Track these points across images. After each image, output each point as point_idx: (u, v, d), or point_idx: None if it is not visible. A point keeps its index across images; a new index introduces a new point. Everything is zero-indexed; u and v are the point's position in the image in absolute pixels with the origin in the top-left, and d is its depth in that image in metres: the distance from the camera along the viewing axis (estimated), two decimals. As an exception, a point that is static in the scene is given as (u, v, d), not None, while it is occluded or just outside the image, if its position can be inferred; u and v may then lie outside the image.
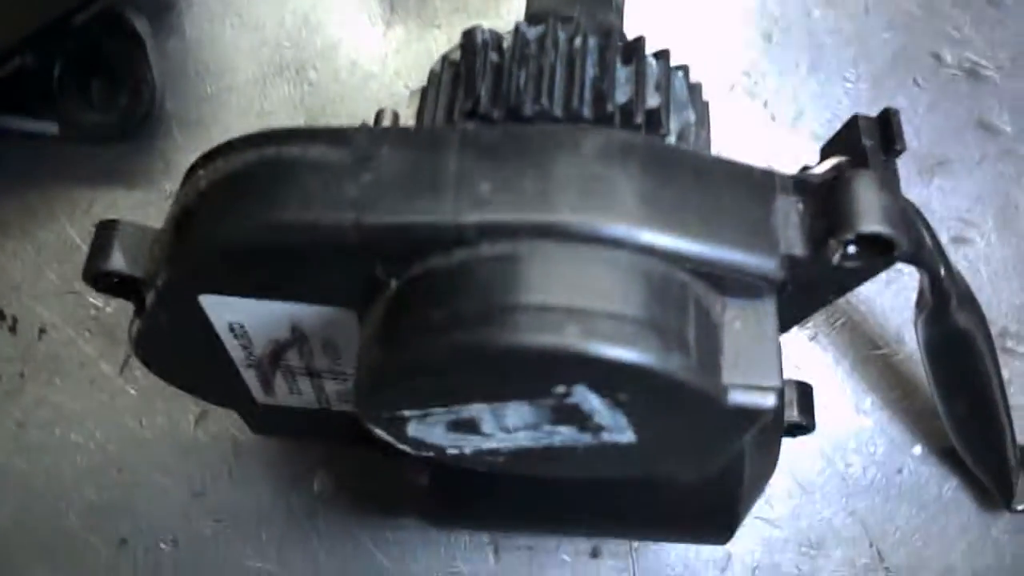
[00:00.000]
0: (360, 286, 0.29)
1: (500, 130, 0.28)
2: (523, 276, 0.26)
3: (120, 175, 0.50)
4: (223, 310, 0.32)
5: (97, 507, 0.48)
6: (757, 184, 0.28)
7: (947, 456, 0.48)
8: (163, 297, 0.31)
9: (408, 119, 0.36)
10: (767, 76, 0.51)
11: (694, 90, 0.33)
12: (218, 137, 0.50)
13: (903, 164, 0.49)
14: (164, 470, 0.47)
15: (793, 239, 0.28)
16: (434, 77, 0.33)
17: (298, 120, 0.50)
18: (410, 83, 0.51)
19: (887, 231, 0.27)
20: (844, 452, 0.49)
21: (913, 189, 0.50)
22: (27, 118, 0.47)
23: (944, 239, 0.50)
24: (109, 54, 0.47)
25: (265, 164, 0.28)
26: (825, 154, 0.35)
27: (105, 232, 0.32)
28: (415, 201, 0.27)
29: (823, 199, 0.28)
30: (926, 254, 0.35)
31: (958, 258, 0.50)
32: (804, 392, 0.41)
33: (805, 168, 0.36)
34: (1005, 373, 0.48)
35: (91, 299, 0.50)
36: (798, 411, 0.41)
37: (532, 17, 0.37)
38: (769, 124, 0.51)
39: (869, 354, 0.50)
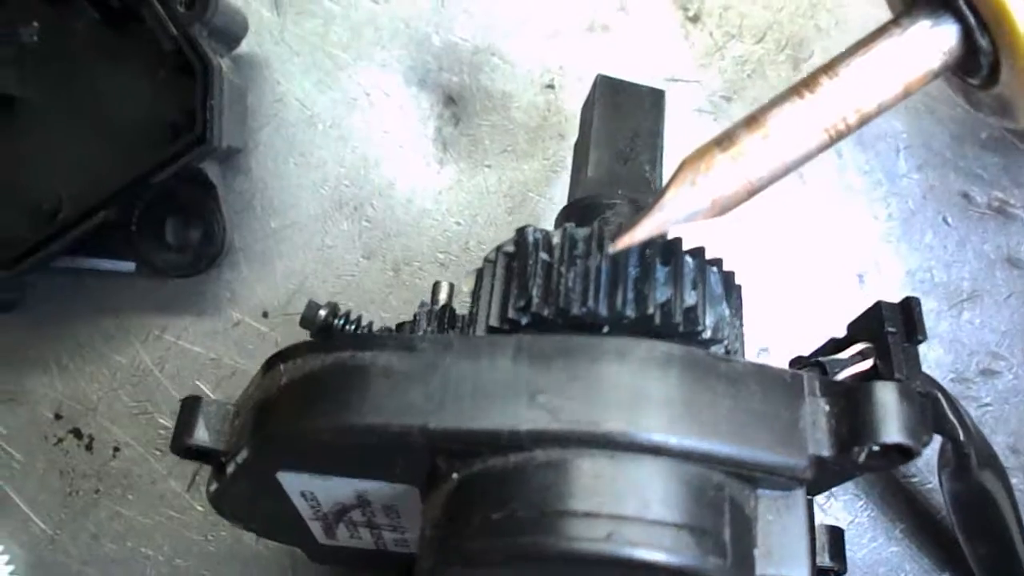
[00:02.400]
0: (423, 472, 0.32)
1: (552, 340, 0.31)
2: (572, 483, 0.29)
3: (190, 304, 0.54)
4: (296, 481, 0.35)
5: (165, 617, 0.51)
6: (787, 387, 0.31)
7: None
8: (242, 470, 0.34)
9: (464, 294, 0.39)
10: (800, 215, 0.54)
11: (728, 281, 0.35)
12: (282, 270, 0.55)
13: (935, 298, 0.52)
14: (228, 582, 0.50)
15: (820, 441, 0.30)
16: (489, 266, 0.36)
17: (355, 255, 0.54)
18: (461, 220, 0.54)
19: (907, 442, 0.29)
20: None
21: (943, 322, 0.52)
22: (106, 258, 0.51)
23: (973, 371, 0.52)
24: (184, 200, 0.50)
25: (339, 369, 0.31)
26: (850, 333, 0.37)
27: (190, 408, 0.36)
28: (476, 409, 0.30)
29: (848, 403, 0.30)
30: (947, 425, 0.37)
31: (986, 390, 0.52)
32: (835, 537, 0.43)
33: (831, 340, 0.39)
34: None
35: (161, 420, 0.54)
36: (830, 556, 0.42)
37: (576, 200, 0.40)
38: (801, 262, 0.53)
39: (900, 482, 0.51)
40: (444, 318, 0.38)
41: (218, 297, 0.54)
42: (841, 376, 0.35)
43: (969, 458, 0.39)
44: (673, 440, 0.29)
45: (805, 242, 0.53)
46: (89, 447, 0.54)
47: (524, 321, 0.34)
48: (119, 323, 0.54)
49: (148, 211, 0.50)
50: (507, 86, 0.55)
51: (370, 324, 0.48)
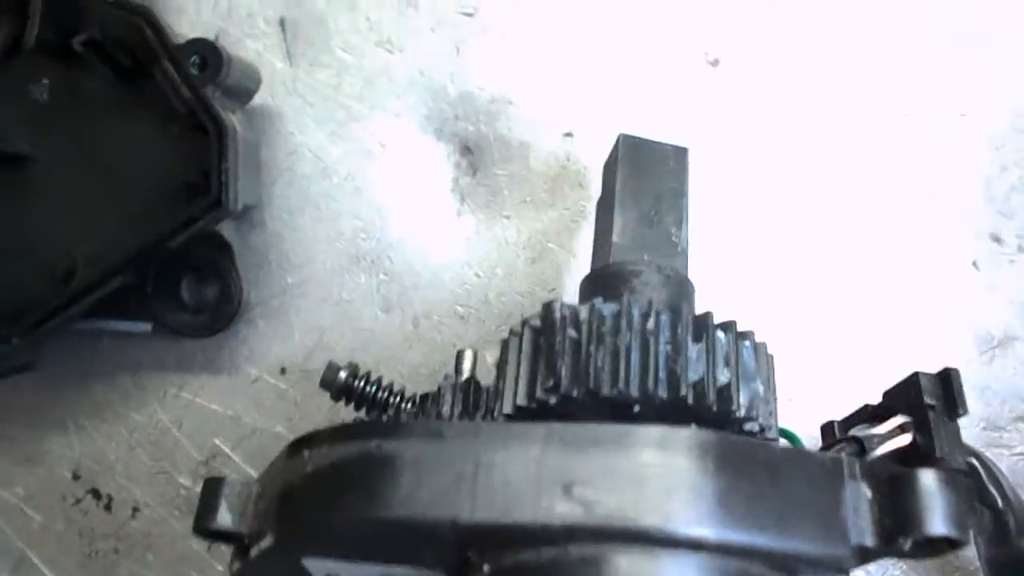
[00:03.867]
0: (454, 562, 0.31)
1: (583, 429, 0.30)
2: (607, 582, 0.28)
3: (207, 362, 0.54)
4: (322, 566, 0.34)
5: None
6: (826, 472, 0.30)
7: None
8: (266, 555, 0.34)
9: (487, 364, 0.38)
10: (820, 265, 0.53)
11: (760, 355, 0.34)
12: (299, 326, 0.54)
13: (965, 344, 0.51)
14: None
15: (864, 530, 0.29)
16: (514, 339, 0.35)
17: (373, 309, 0.53)
18: (480, 272, 0.53)
19: (955, 535, 0.28)
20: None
21: (972, 369, 0.51)
22: (122, 320, 0.51)
23: (1005, 419, 0.51)
24: (199, 260, 0.50)
25: (366, 458, 0.31)
26: (887, 403, 0.36)
27: (212, 489, 0.35)
28: (507, 502, 0.29)
29: (891, 491, 0.29)
30: (987, 495, 0.36)
31: (1020, 438, 0.51)
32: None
33: (866, 407, 0.38)
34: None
35: (180, 479, 0.53)
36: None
37: (601, 267, 0.39)
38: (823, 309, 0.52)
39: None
40: (469, 392, 0.38)
41: (235, 354, 0.54)
42: (879, 452, 0.34)
43: (1008, 526, 0.38)
44: (711, 534, 0.28)
45: (826, 292, 0.52)
46: (108, 507, 0.54)
47: (552, 401, 0.33)
48: (136, 382, 0.54)
49: (163, 272, 0.50)
50: (525, 135, 0.54)
51: (391, 385, 0.47)
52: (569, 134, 0.54)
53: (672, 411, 0.33)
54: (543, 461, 0.29)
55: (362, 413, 0.47)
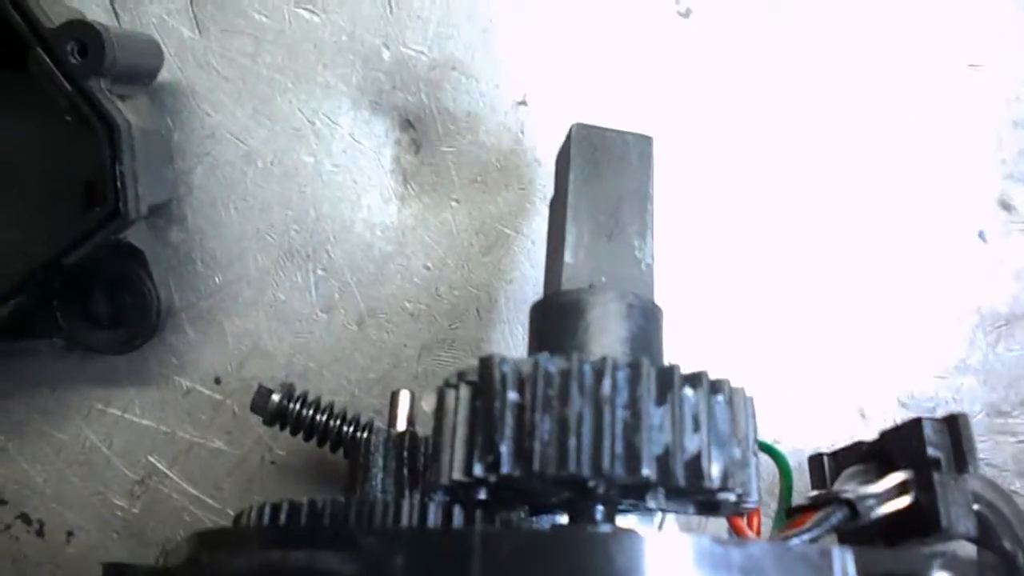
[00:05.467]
0: None
1: (521, 537, 0.25)
2: None
3: (132, 374, 0.48)
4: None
5: None
6: (813, 570, 0.26)
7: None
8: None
9: (424, 412, 0.33)
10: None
11: (735, 409, 0.29)
12: (232, 331, 0.49)
13: (969, 325, 0.46)
14: None
15: (858, 640, 0.25)
16: (451, 394, 0.30)
17: (313, 309, 0.48)
18: (430, 264, 0.47)
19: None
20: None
21: (976, 352, 0.46)
22: (33, 339, 0.45)
23: (1011, 403, 0.47)
24: (107, 270, 0.44)
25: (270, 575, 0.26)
26: (884, 444, 0.31)
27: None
28: (434, 633, 0.24)
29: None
30: (996, 543, 0.32)
31: (1029, 423, 0.46)
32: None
33: (860, 444, 0.33)
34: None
35: (116, 501, 0.49)
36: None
37: (554, 298, 0.34)
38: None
39: None
40: (403, 447, 0.33)
41: (164, 364, 0.48)
42: (876, 515, 0.29)
43: (1016, 564, 0.34)
44: (678, 664, 0.24)
45: (828, 274, 0.47)
46: (40, 532, 0.49)
47: (492, 480, 0.28)
48: (56, 398, 0.49)
49: (69, 286, 0.44)
50: (472, 105, 0.47)
51: (330, 406, 0.42)
52: (523, 102, 0.47)
53: (634, 487, 0.28)
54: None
55: (299, 438, 0.43)
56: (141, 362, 0.48)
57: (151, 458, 0.49)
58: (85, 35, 0.39)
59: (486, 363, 0.29)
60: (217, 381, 0.48)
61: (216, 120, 0.48)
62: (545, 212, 0.47)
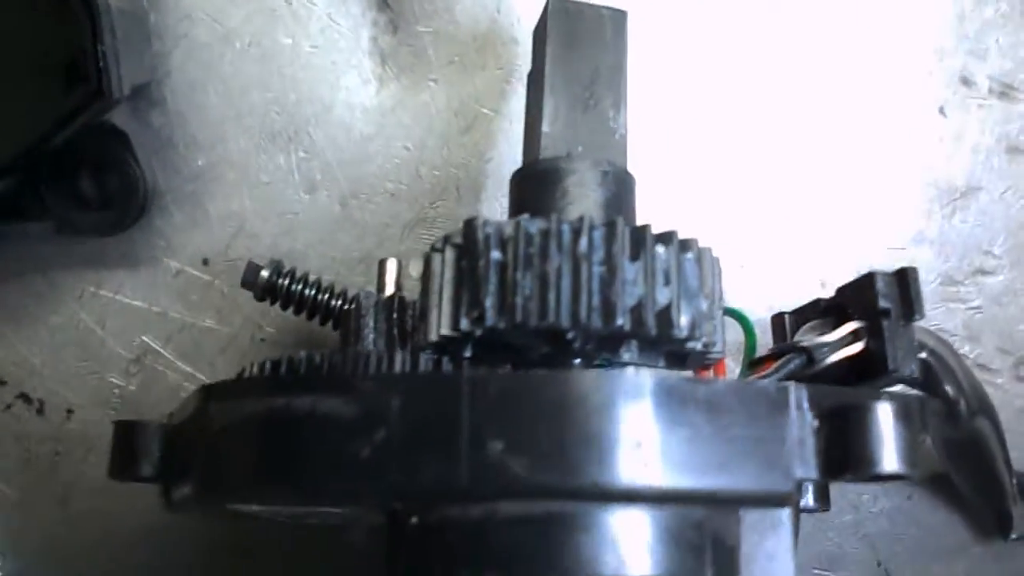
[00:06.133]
0: (380, 512, 0.30)
1: (509, 379, 0.27)
2: (540, 542, 0.27)
3: (122, 257, 0.50)
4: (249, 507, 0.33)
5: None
6: (771, 404, 0.28)
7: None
8: (190, 501, 0.32)
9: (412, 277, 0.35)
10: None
11: (703, 266, 0.31)
12: (216, 213, 0.50)
13: (926, 198, 0.48)
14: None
15: (808, 463, 0.28)
16: (437, 256, 0.32)
17: (296, 190, 0.49)
18: (410, 144, 0.49)
19: (904, 472, 0.27)
20: (857, 485, 0.50)
21: (932, 224, 0.49)
22: (22, 222, 0.46)
23: (963, 273, 0.49)
24: (93, 152, 0.45)
25: (275, 419, 0.28)
26: (839, 300, 0.34)
27: (124, 436, 0.33)
28: (428, 462, 0.27)
29: (840, 425, 0.28)
30: (939, 388, 0.35)
31: (976, 292, 0.49)
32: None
33: (818, 302, 0.36)
34: (1018, 401, 0.49)
35: (112, 379, 0.51)
36: (814, 499, 0.41)
37: (533, 167, 0.35)
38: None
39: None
40: (392, 310, 0.35)
41: (152, 246, 0.50)
42: (830, 360, 0.32)
43: (959, 409, 0.37)
44: (650, 484, 0.27)
45: (790, 149, 0.49)
46: (40, 411, 0.51)
47: (479, 332, 0.30)
48: (49, 282, 0.50)
49: (56, 168, 0.45)
50: (448, -16, 0.48)
51: (318, 281, 0.44)
52: (499, -20, 0.48)
53: (609, 337, 0.30)
54: (467, 416, 0.27)
55: (290, 312, 0.45)
56: (129, 245, 0.49)
57: (145, 338, 0.50)
58: (61, -90, 0.39)
59: (470, 225, 0.31)
60: (205, 262, 0.50)
61: (192, 1, 0.48)
62: (522, 91, 0.48)
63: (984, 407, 0.38)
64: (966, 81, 0.48)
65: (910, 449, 0.27)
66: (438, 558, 0.28)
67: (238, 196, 0.49)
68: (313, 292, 0.43)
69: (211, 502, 0.31)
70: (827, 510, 0.42)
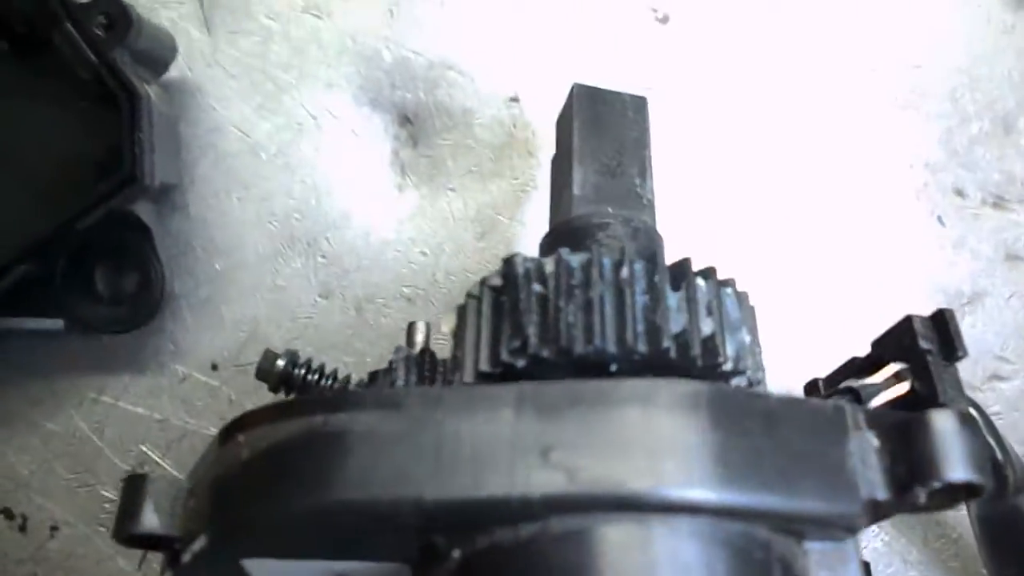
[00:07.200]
0: (416, 549, 0.27)
1: (558, 388, 0.26)
2: (597, 556, 0.25)
3: (128, 361, 0.49)
4: (264, 568, 0.30)
5: None
6: (829, 422, 0.27)
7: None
8: (200, 559, 0.29)
9: (443, 334, 0.35)
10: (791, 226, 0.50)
11: (743, 304, 0.31)
12: (230, 317, 0.49)
13: (934, 304, 0.49)
14: None
15: (874, 482, 0.26)
16: (472, 302, 0.32)
17: (311, 295, 0.49)
18: (427, 250, 0.49)
19: (976, 479, 0.25)
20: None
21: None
22: (31, 317, 0.45)
23: (979, 379, 0.49)
24: (114, 246, 0.45)
25: (311, 436, 0.27)
26: (876, 352, 0.34)
27: (134, 487, 0.30)
28: (478, 474, 0.25)
29: (902, 437, 0.27)
30: (986, 448, 0.34)
31: (994, 398, 0.49)
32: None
33: (854, 360, 0.35)
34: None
35: (104, 492, 0.48)
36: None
37: (562, 224, 0.36)
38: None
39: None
40: (424, 364, 0.34)
41: (160, 351, 0.49)
42: (877, 403, 0.31)
43: (1007, 479, 0.35)
44: (710, 496, 0.25)
45: (791, 253, 0.50)
46: (23, 528, 0.48)
47: (520, 364, 0.29)
48: (49, 387, 0.49)
49: (74, 261, 0.45)
50: (467, 101, 0.50)
51: (335, 372, 0.43)
52: (515, 99, 0.50)
53: (653, 368, 0.29)
54: (516, 425, 0.26)
55: (304, 404, 0.43)
56: (137, 349, 0.49)
57: (143, 447, 0.48)
58: (112, 9, 0.41)
59: (509, 262, 0.31)
60: (214, 367, 0.49)
61: (222, 115, 0.50)
62: (537, 200, 0.50)
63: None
64: (959, 192, 0.50)
65: (978, 456, 0.26)
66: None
67: (253, 300, 0.49)
68: (330, 383, 0.42)
69: (225, 553, 0.29)
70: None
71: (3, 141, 0.45)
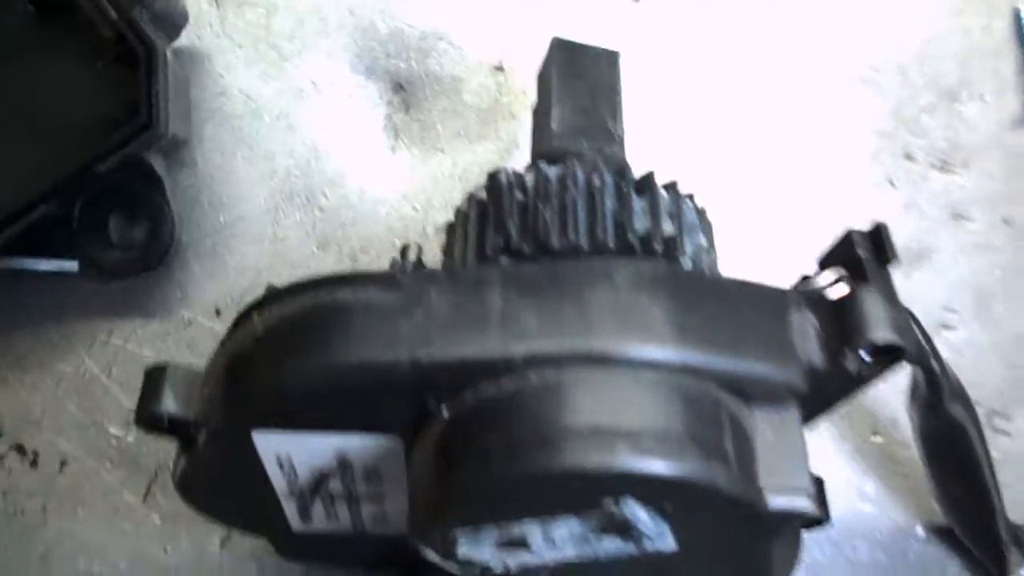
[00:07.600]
0: (411, 415, 0.31)
1: (537, 267, 0.30)
2: (571, 402, 0.28)
3: (137, 306, 0.52)
4: (272, 443, 0.33)
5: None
6: (772, 301, 0.31)
7: (949, 536, 0.49)
8: (216, 436, 0.33)
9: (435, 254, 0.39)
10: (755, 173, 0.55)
11: (702, 215, 0.35)
12: (234, 265, 0.53)
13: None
14: (191, 596, 0.48)
15: (812, 351, 0.30)
16: (460, 215, 0.36)
17: (310, 245, 0.53)
18: (417, 205, 0.53)
19: (898, 340, 0.29)
20: (850, 537, 0.50)
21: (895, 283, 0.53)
22: (47, 259, 0.49)
23: (928, 327, 0.53)
24: (128, 194, 0.49)
25: (319, 308, 0.30)
26: (823, 265, 0.37)
27: (155, 376, 0.34)
28: (465, 337, 0.29)
29: (834, 313, 0.31)
30: (923, 355, 0.37)
31: (941, 345, 0.52)
32: (819, 486, 0.43)
33: (804, 278, 0.39)
34: (994, 452, 0.51)
35: (112, 430, 0.51)
36: (815, 503, 0.42)
37: (543, 154, 0.40)
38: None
39: (867, 441, 0.52)
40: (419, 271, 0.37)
41: (167, 297, 0.52)
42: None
43: (942, 390, 0.39)
44: (669, 354, 0.29)
45: (757, 211, 0.54)
46: (34, 463, 0.51)
47: (503, 260, 0.33)
48: (62, 329, 0.52)
49: (90, 207, 0.48)
50: (456, 70, 0.55)
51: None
52: (499, 68, 0.55)
53: (620, 262, 0.33)
54: (500, 298, 0.29)
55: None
56: (146, 295, 0.52)
57: (149, 387, 0.51)
58: (130, -32, 0.45)
59: (493, 175, 0.35)
60: (218, 313, 0.52)
61: (228, 80, 0.54)
62: (520, 160, 0.54)
63: (964, 397, 0.41)
64: (909, 157, 0.55)
65: (901, 323, 0.30)
66: (468, 438, 0.29)
67: (255, 251, 0.53)
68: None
69: (237, 427, 0.32)
70: (828, 520, 0.43)
71: (27, 97, 0.49)
